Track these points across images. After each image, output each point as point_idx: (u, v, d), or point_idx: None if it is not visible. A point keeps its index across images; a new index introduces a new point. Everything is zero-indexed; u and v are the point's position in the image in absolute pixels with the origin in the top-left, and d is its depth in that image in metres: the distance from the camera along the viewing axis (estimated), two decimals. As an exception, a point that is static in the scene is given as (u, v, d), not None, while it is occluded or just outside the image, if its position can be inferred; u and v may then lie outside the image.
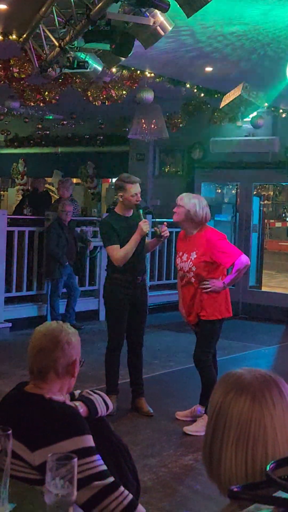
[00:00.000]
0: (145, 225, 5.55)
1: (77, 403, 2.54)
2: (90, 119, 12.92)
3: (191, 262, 5.40)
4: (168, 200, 12.10)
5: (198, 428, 5.32)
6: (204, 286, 5.38)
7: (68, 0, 5.00)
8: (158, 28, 4.79)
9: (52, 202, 11.92)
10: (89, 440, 2.27)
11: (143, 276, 5.91)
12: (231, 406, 1.46)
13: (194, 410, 5.70)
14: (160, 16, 4.72)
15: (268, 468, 1.23)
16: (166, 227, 5.69)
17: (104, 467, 2.26)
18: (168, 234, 5.70)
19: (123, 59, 5.69)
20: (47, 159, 15.51)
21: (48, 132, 14.78)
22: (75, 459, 1.64)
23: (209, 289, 5.37)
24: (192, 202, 5.41)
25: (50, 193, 13.97)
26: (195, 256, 5.39)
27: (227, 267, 5.38)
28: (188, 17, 4.30)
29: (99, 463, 2.25)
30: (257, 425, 1.43)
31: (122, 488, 2.25)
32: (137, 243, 5.59)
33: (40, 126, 14.16)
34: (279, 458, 1.37)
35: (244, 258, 5.31)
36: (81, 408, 2.51)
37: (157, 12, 4.64)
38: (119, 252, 5.61)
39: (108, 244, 5.72)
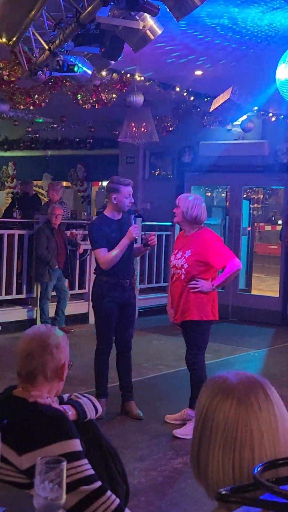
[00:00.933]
0: (134, 231, 5.56)
1: (66, 406, 2.54)
2: (80, 122, 12.92)
3: (184, 259, 5.45)
4: (158, 203, 12.13)
5: (187, 431, 5.32)
6: (192, 285, 5.40)
7: (58, 4, 5.00)
8: (148, 31, 4.80)
9: (42, 205, 11.92)
10: (76, 444, 2.27)
11: (132, 279, 5.91)
12: (217, 410, 1.47)
13: (183, 413, 5.70)
14: (149, 20, 4.73)
15: (255, 471, 1.24)
16: (155, 236, 5.70)
17: (92, 472, 2.26)
18: (155, 243, 5.72)
19: (112, 62, 5.71)
20: (37, 162, 15.50)
21: (38, 135, 14.78)
22: (64, 463, 1.64)
23: (197, 289, 5.39)
24: (186, 203, 5.47)
25: (40, 196, 13.95)
26: (189, 254, 5.43)
27: (218, 268, 5.40)
28: (177, 21, 4.31)
29: (86, 467, 2.25)
30: (243, 428, 1.44)
31: (109, 493, 2.25)
32: (125, 248, 5.60)
33: (30, 129, 14.15)
34: (266, 461, 1.38)
35: (236, 262, 5.33)
36: (70, 411, 2.50)
37: (147, 15, 4.65)
38: (107, 256, 5.62)
39: (96, 247, 5.73)
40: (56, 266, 9.20)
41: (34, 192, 12.89)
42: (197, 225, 5.51)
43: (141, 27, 4.73)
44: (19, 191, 13.17)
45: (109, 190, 5.80)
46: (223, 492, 1.23)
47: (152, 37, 4.83)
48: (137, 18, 4.71)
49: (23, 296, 9.80)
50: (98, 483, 2.24)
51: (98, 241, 5.68)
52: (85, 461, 2.26)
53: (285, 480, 1.28)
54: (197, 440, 1.50)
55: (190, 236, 5.52)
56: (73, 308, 10.14)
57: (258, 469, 1.25)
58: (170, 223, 5.83)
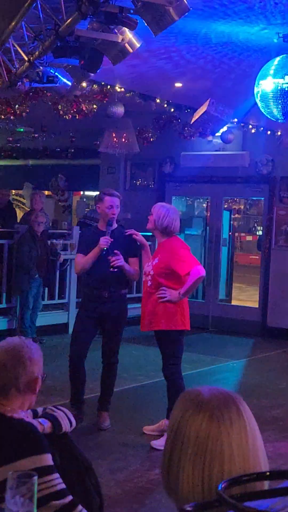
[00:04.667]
0: (102, 241, 5.57)
1: (42, 420, 2.54)
2: (61, 132, 12.93)
3: (151, 266, 5.53)
4: (139, 213, 12.14)
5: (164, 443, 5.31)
6: (160, 294, 5.43)
7: (37, 16, 5.03)
8: (127, 45, 4.84)
9: (16, 214, 11.88)
10: (47, 459, 2.27)
11: (110, 291, 5.77)
12: (189, 423, 1.48)
13: (161, 425, 5.70)
14: (128, 33, 4.78)
15: (220, 487, 1.25)
16: (117, 258, 5.61)
17: (62, 486, 2.26)
18: (117, 263, 5.60)
19: (92, 74, 5.74)
20: (18, 171, 15.47)
21: (19, 144, 14.76)
22: (36, 477, 1.64)
23: (165, 299, 5.42)
24: (159, 212, 5.54)
25: (19, 204, 13.90)
26: (157, 261, 5.51)
27: (182, 275, 5.41)
28: (155, 35, 4.35)
29: (57, 481, 2.25)
30: (214, 442, 1.44)
31: (80, 507, 2.25)
32: (95, 256, 5.63)
33: (11, 138, 14.13)
34: (235, 475, 1.39)
35: (199, 269, 5.37)
36: (46, 424, 2.50)
37: (125, 29, 4.69)
38: (79, 260, 5.74)
39: (76, 252, 5.92)
40: (37, 275, 9.18)
41: (8, 200, 12.75)
42: (167, 235, 5.56)
43: (119, 41, 4.77)
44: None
45: (95, 200, 5.93)
46: (187, 509, 1.24)
47: (131, 50, 4.87)
48: (116, 31, 4.75)
49: (3, 306, 9.76)
50: (69, 498, 2.25)
51: (78, 247, 5.85)
52: (56, 475, 2.27)
53: (250, 495, 1.30)
54: (168, 453, 1.51)
55: (160, 245, 5.62)
56: (52, 318, 10.11)
57: (223, 485, 1.26)
58: (151, 233, 5.85)
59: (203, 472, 1.44)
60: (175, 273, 5.42)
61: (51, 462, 2.27)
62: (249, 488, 1.35)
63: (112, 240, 5.60)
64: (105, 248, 5.57)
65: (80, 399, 5.88)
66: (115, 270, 5.60)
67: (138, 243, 5.81)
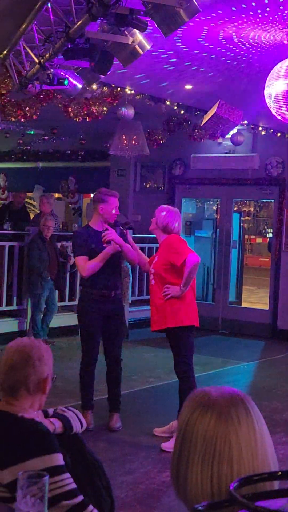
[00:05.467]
0: (105, 233, 5.57)
1: (53, 419, 2.54)
2: (71, 135, 12.95)
3: (153, 265, 5.65)
4: (149, 215, 12.12)
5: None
6: (164, 293, 5.51)
7: (48, 18, 5.04)
8: (137, 47, 4.84)
9: (31, 217, 11.92)
10: (58, 459, 2.26)
11: (116, 291, 5.88)
12: (197, 423, 1.47)
13: (172, 426, 5.70)
14: (138, 35, 4.78)
15: (232, 487, 1.25)
16: (110, 231, 5.60)
17: (73, 486, 2.26)
18: (108, 237, 5.56)
19: (102, 76, 5.74)
20: (28, 174, 15.51)
21: (29, 147, 14.79)
22: (47, 477, 1.64)
23: (168, 296, 5.48)
24: (161, 211, 5.74)
25: (30, 207, 13.93)
26: (157, 259, 5.66)
27: (178, 265, 5.47)
28: (165, 37, 4.35)
29: (68, 481, 2.25)
30: (222, 441, 1.44)
31: (91, 507, 2.25)
32: (106, 257, 5.63)
33: (21, 141, 14.17)
34: (244, 475, 1.38)
35: (192, 257, 5.44)
36: (57, 424, 2.50)
37: (136, 31, 4.69)
38: (87, 264, 5.68)
39: (76, 254, 5.84)
40: (49, 278, 9.20)
41: (22, 204, 12.82)
42: (166, 234, 5.66)
43: (130, 42, 4.77)
44: (12, 201, 13.08)
45: (96, 201, 5.87)
46: (199, 508, 1.24)
47: (141, 52, 4.87)
48: (126, 33, 4.75)
49: (13, 307, 9.78)
50: (80, 498, 2.24)
51: (78, 249, 5.77)
52: (67, 475, 2.26)
53: (262, 495, 1.29)
54: (177, 454, 1.51)
55: (160, 244, 5.74)
56: (62, 320, 10.13)
57: (235, 485, 1.26)
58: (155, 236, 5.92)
59: (212, 472, 1.43)
60: (175, 267, 5.49)
61: (61, 462, 2.27)
62: (259, 488, 1.35)
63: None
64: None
65: (90, 403, 5.88)
66: (108, 245, 5.59)
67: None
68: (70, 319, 10.34)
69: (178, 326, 5.51)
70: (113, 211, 5.78)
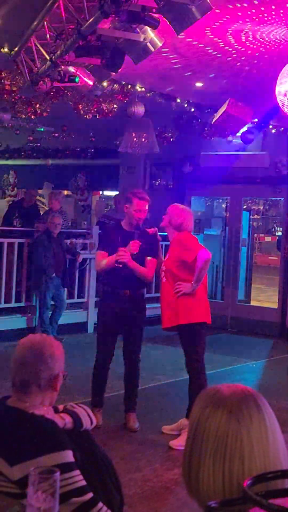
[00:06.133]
0: (120, 253, 5.52)
1: (63, 415, 2.54)
2: (81, 132, 12.96)
3: (163, 262, 5.68)
4: (158, 213, 12.13)
5: (183, 442, 5.28)
6: (175, 290, 5.50)
7: (60, 15, 5.04)
8: (148, 44, 4.83)
9: (40, 214, 11.93)
10: (68, 456, 2.26)
11: (132, 290, 5.77)
12: (208, 420, 1.47)
13: (180, 424, 5.69)
14: (150, 33, 4.77)
15: (245, 484, 1.24)
16: (125, 253, 5.55)
17: (83, 483, 2.26)
18: (121, 259, 5.51)
19: (113, 74, 5.74)
20: (38, 171, 15.53)
21: (39, 144, 14.80)
22: (58, 473, 1.64)
23: (180, 292, 5.49)
24: (175, 210, 5.76)
25: (40, 204, 13.95)
26: (167, 257, 5.69)
27: (189, 261, 5.48)
28: (177, 34, 4.35)
29: (78, 478, 2.25)
30: (233, 438, 1.44)
31: (100, 504, 2.25)
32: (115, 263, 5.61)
33: (31, 138, 14.18)
34: (256, 472, 1.38)
35: (203, 253, 5.44)
36: (67, 419, 2.50)
37: (147, 28, 4.69)
38: (100, 259, 5.71)
39: (98, 248, 5.94)
40: (54, 275, 9.21)
41: (33, 202, 12.85)
42: (178, 231, 5.67)
43: (142, 40, 4.77)
44: (23, 198, 13.09)
45: (125, 200, 5.91)
46: (212, 505, 1.24)
47: (152, 49, 4.87)
48: (138, 30, 4.75)
49: (22, 304, 9.80)
50: (90, 495, 2.24)
51: (100, 243, 5.91)
52: (77, 472, 2.26)
53: (274, 493, 1.29)
54: (189, 451, 1.51)
55: (171, 241, 5.74)
56: (72, 317, 10.14)
57: (248, 482, 1.26)
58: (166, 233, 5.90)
59: (223, 469, 1.43)
60: (186, 263, 5.49)
61: (72, 459, 2.27)
62: (270, 486, 1.34)
63: (141, 243, 5.62)
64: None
65: (101, 401, 5.88)
66: (120, 266, 5.57)
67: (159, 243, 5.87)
68: (78, 316, 10.37)
69: (191, 322, 5.51)
70: (136, 213, 5.73)
